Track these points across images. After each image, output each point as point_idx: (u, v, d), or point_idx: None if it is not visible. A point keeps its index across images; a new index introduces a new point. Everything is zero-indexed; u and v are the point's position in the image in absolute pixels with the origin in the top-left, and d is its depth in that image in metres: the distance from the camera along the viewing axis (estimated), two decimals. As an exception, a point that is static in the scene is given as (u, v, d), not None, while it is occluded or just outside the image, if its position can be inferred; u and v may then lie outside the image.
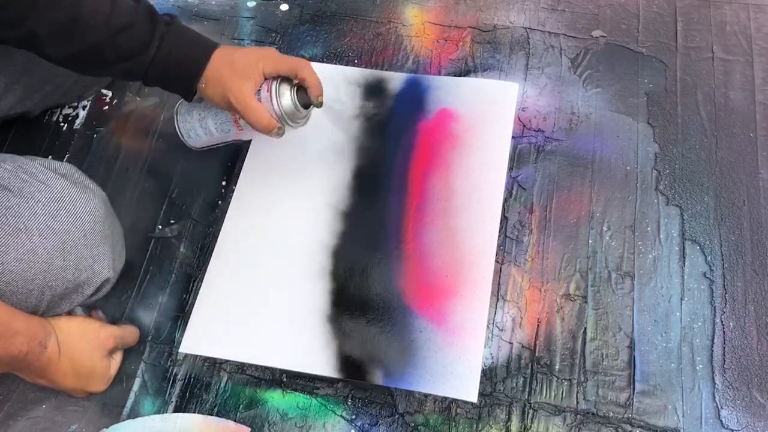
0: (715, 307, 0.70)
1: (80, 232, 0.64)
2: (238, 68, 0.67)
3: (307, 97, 0.71)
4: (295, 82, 0.71)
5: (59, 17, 0.63)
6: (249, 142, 0.82)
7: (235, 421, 0.68)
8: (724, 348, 0.68)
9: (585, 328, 0.70)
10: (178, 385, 0.70)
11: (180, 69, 0.68)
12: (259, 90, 0.69)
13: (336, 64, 0.88)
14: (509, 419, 0.67)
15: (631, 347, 0.69)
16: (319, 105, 0.72)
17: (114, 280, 0.70)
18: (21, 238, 0.60)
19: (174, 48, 0.67)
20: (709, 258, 0.73)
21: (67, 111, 0.88)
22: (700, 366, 0.68)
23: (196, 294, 0.73)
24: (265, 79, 0.70)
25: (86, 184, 0.68)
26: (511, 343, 0.70)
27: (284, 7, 0.94)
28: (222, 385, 0.70)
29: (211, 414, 0.68)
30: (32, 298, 0.62)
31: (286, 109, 0.70)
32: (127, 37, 0.65)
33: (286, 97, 0.70)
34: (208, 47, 0.68)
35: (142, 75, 0.68)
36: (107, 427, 0.68)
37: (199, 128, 0.76)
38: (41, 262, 0.61)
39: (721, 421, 0.65)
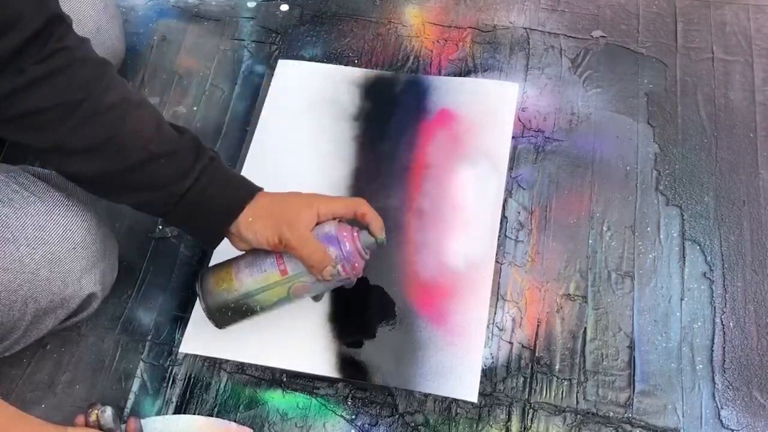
0: (715, 307, 0.70)
1: (69, 245, 0.63)
2: (292, 205, 0.62)
3: (368, 237, 0.64)
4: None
5: (98, 133, 0.56)
6: (249, 144, 0.82)
7: (235, 421, 0.68)
8: (724, 348, 0.68)
9: (585, 328, 0.70)
10: (179, 385, 0.70)
11: (215, 206, 0.61)
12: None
13: (336, 64, 0.88)
14: (509, 419, 0.67)
15: (631, 347, 0.69)
16: (383, 243, 0.64)
17: (102, 296, 0.69)
18: (8, 248, 0.59)
19: (213, 183, 0.60)
20: (709, 258, 0.73)
21: (67, 111, 0.88)
22: (700, 366, 0.68)
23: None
24: (320, 222, 0.63)
25: (81, 197, 0.66)
26: (511, 343, 0.70)
27: (284, 7, 0.95)
28: (222, 385, 0.70)
29: (211, 414, 0.68)
30: (15, 309, 0.61)
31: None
32: (165, 165, 0.58)
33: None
34: (252, 189, 0.63)
35: (168, 207, 0.60)
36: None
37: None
38: (27, 272, 0.60)
39: (721, 421, 0.65)
